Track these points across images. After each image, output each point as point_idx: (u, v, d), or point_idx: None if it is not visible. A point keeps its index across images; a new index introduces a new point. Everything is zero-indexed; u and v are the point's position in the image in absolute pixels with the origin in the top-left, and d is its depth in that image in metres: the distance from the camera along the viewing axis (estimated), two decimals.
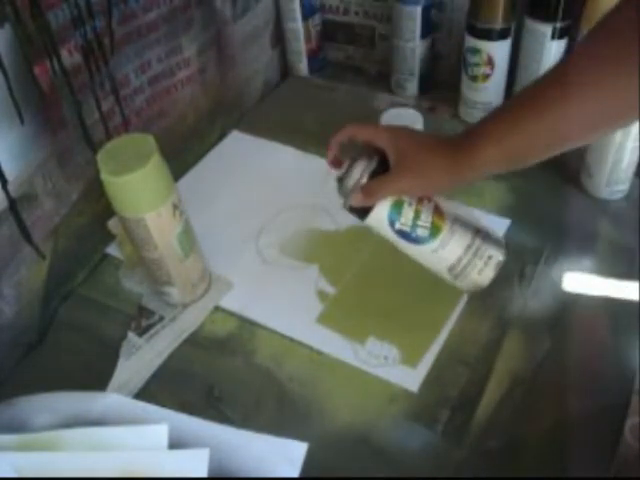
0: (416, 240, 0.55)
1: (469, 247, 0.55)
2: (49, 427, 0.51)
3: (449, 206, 0.57)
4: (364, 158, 0.55)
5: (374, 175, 0.54)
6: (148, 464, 0.47)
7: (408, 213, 0.55)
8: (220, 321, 0.65)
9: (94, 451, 0.48)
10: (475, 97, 0.87)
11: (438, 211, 0.55)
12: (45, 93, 0.59)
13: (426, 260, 0.57)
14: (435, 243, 0.55)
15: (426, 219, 0.55)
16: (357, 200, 0.54)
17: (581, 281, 0.66)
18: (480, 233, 0.56)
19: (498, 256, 0.56)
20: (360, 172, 0.54)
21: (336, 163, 0.57)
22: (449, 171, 0.52)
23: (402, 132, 0.55)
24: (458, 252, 0.55)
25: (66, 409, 0.53)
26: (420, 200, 0.55)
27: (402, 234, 0.55)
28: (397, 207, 0.54)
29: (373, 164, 0.54)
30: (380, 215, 0.55)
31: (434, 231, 0.54)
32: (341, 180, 0.55)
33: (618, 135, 0.68)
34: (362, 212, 0.56)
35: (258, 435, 0.53)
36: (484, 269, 0.55)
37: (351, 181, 0.54)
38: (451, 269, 0.56)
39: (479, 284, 0.56)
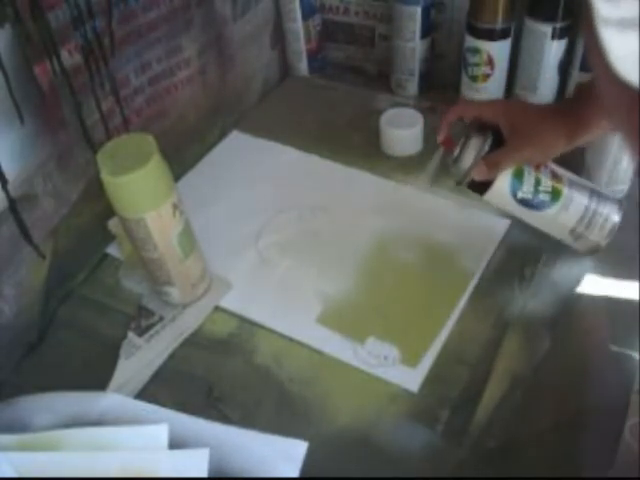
0: (538, 206, 0.58)
1: (587, 208, 0.58)
2: (49, 427, 0.51)
3: (561, 170, 0.59)
4: (477, 134, 0.57)
5: (490, 149, 0.56)
6: (148, 464, 0.47)
7: (529, 180, 0.57)
8: (220, 321, 0.65)
9: (94, 451, 0.48)
10: (475, 97, 0.86)
11: (555, 175, 0.58)
12: (45, 93, 0.59)
13: (548, 226, 0.60)
14: (557, 207, 0.58)
15: (546, 184, 0.58)
16: (481, 173, 0.56)
17: (581, 281, 0.66)
18: (595, 193, 0.58)
19: (614, 217, 0.59)
20: (479, 147, 0.56)
21: (447, 143, 0.60)
22: (564, 135, 0.55)
23: (513, 105, 0.58)
24: (578, 214, 0.58)
25: (66, 409, 0.53)
26: (537, 167, 0.58)
27: (524, 202, 0.58)
28: (518, 176, 0.57)
29: (490, 138, 0.56)
30: (501, 187, 0.57)
31: (555, 195, 0.57)
32: (457, 158, 0.57)
33: (618, 135, 0.67)
34: (481, 187, 0.58)
35: (258, 435, 0.53)
36: (602, 230, 0.59)
37: (469, 157, 0.56)
38: (572, 231, 0.59)
39: (598, 245, 0.60)
